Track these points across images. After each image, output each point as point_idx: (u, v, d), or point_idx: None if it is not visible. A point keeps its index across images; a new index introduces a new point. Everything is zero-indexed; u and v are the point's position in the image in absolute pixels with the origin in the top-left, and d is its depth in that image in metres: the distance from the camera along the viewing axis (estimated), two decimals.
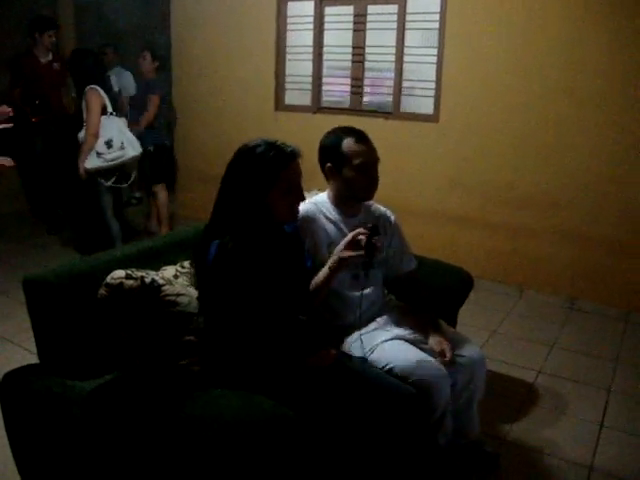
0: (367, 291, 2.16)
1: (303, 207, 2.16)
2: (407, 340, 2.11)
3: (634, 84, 3.75)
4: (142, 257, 1.98)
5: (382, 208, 2.32)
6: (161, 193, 5.33)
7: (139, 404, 1.66)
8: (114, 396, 1.72)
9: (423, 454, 1.98)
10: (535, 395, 2.95)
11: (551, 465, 2.42)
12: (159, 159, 5.19)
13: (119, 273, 1.77)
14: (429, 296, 2.33)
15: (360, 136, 2.11)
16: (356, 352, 2.07)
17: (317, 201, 2.21)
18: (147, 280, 1.77)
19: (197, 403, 1.61)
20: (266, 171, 1.73)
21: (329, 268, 1.95)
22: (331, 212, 2.18)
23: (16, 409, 1.83)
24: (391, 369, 1.98)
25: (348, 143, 2.08)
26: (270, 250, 1.81)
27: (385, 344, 2.08)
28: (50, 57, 5.20)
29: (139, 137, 5.06)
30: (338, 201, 2.18)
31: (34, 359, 1.93)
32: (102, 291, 1.76)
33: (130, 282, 1.75)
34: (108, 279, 1.76)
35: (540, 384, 3.05)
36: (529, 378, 3.10)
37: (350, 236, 1.93)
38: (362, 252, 1.89)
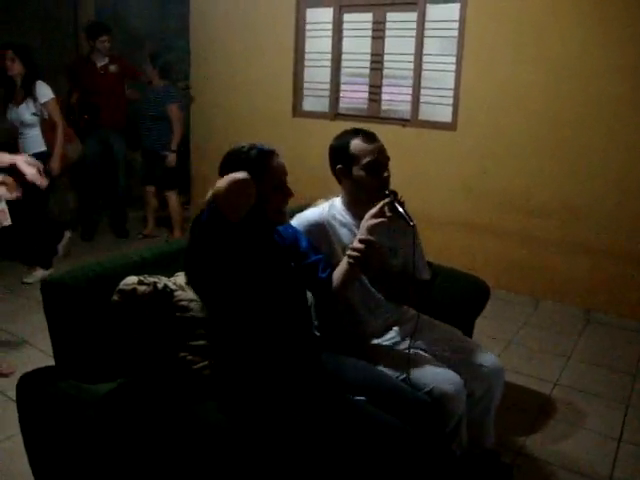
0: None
1: (313, 212, 2.17)
2: (423, 350, 2.09)
3: None
4: (157, 262, 1.98)
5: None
6: (172, 198, 5.41)
7: (151, 408, 1.66)
8: (127, 400, 1.72)
9: (438, 464, 1.95)
10: (551, 407, 2.91)
11: (566, 476, 2.39)
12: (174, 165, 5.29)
13: (132, 279, 1.78)
14: (444, 306, 2.31)
15: (368, 136, 2.09)
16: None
17: (330, 206, 2.19)
18: (159, 286, 1.77)
19: (207, 408, 1.60)
20: (254, 163, 1.73)
21: (349, 262, 1.88)
22: (344, 216, 2.15)
23: (32, 411, 1.84)
24: (407, 378, 1.96)
25: (356, 143, 2.07)
26: (255, 249, 1.79)
27: (401, 353, 2.06)
28: (106, 61, 5.21)
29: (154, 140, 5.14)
30: (351, 204, 2.16)
31: (50, 361, 1.94)
32: (115, 297, 1.76)
33: (143, 288, 1.76)
34: (121, 285, 1.76)
35: (556, 396, 3.01)
36: (545, 390, 3.06)
37: (375, 208, 1.91)
38: (390, 214, 1.90)
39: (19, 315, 3.77)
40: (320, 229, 2.10)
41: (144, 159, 5.51)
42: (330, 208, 2.18)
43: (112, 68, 5.22)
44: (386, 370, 2.00)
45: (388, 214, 1.91)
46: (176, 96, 5.28)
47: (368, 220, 1.89)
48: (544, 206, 4.18)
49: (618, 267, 3.99)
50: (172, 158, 5.23)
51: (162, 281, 1.83)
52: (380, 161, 2.08)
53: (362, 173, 2.06)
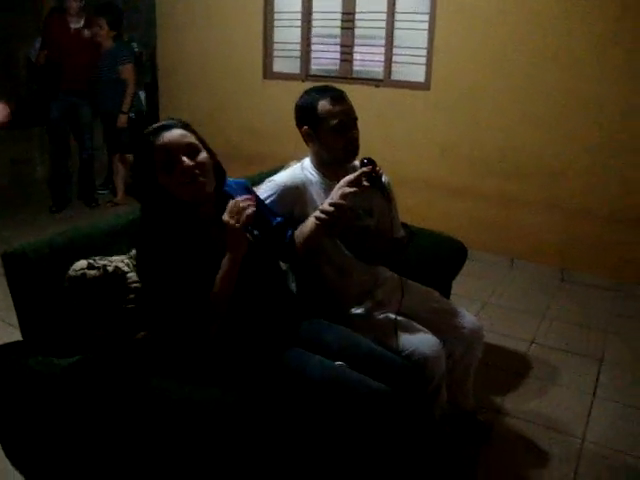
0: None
1: (286, 175, 2.10)
2: (401, 312, 2.06)
3: (638, 51, 3.66)
4: (124, 230, 1.89)
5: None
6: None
7: (109, 379, 1.63)
8: (89, 371, 1.68)
9: (418, 426, 1.95)
10: (528, 366, 2.93)
11: (544, 436, 2.41)
12: (138, 126, 5.10)
13: (81, 264, 1.71)
14: (421, 267, 2.29)
15: (336, 96, 2.01)
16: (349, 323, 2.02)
17: (301, 167, 2.12)
18: (110, 269, 1.72)
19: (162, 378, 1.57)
20: (143, 151, 1.63)
21: (315, 222, 1.81)
22: (315, 176, 2.09)
23: None
24: (384, 342, 1.94)
25: (323, 104, 1.99)
26: (195, 232, 1.68)
27: (379, 316, 2.04)
28: (81, 24, 5.01)
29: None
30: (320, 165, 2.09)
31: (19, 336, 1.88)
32: (65, 283, 1.70)
33: (92, 272, 1.70)
34: (70, 271, 1.70)
35: (533, 355, 3.03)
36: (522, 349, 3.08)
37: (352, 176, 1.83)
38: (367, 184, 1.83)
39: None
40: (295, 191, 2.03)
41: (104, 125, 5.34)
42: (301, 169, 2.11)
43: (86, 33, 5.00)
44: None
45: (365, 183, 1.85)
46: (130, 56, 5.11)
47: (343, 187, 1.82)
48: (520, 167, 4.16)
49: (592, 227, 4.00)
50: (123, 120, 5.09)
51: (113, 263, 1.76)
52: (348, 122, 2.01)
53: (330, 135, 2.00)
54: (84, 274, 1.69)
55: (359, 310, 2.09)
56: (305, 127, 2.05)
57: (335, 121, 1.98)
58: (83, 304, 1.71)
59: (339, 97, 2.02)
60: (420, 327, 2.01)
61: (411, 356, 1.90)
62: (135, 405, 1.55)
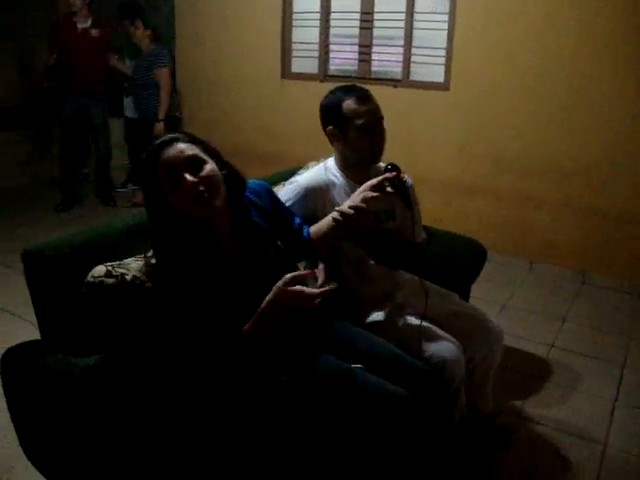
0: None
1: (310, 176, 2.09)
2: (420, 315, 2.04)
3: None
4: (140, 230, 1.87)
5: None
6: None
7: (133, 381, 1.61)
8: (109, 371, 1.66)
9: (437, 430, 1.93)
10: (548, 370, 2.89)
11: (564, 441, 2.38)
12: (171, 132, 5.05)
13: (100, 270, 1.68)
14: (441, 270, 2.27)
15: (361, 95, 1.99)
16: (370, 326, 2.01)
17: (323, 168, 2.10)
18: (128, 278, 1.69)
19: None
20: (145, 172, 1.56)
21: (332, 223, 1.79)
22: (338, 178, 2.07)
23: (18, 387, 1.78)
24: (405, 345, 1.91)
25: (349, 104, 1.97)
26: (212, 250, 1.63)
27: (399, 319, 2.02)
28: (89, 23, 4.97)
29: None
30: (344, 166, 2.07)
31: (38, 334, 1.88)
32: (84, 289, 1.69)
33: (110, 281, 1.67)
34: (89, 277, 1.67)
35: (553, 359, 2.99)
36: (541, 353, 3.04)
37: (375, 180, 1.79)
38: (391, 190, 1.79)
39: (4, 286, 3.70)
40: (318, 193, 2.02)
41: (136, 128, 5.25)
42: (324, 170, 2.09)
43: (93, 32, 4.98)
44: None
45: (388, 189, 1.82)
46: (167, 59, 5.03)
47: (365, 190, 1.79)
48: (539, 167, 4.11)
49: (613, 229, 3.95)
50: (159, 127, 4.93)
51: (131, 272, 1.73)
52: (374, 121, 1.98)
53: (355, 135, 1.97)
54: (102, 282, 1.67)
55: (380, 313, 2.07)
56: (330, 127, 2.03)
57: (361, 121, 1.96)
58: (101, 311, 1.69)
59: (365, 96, 2.00)
60: (439, 330, 1.99)
61: (430, 359, 1.88)
62: (160, 407, 1.53)
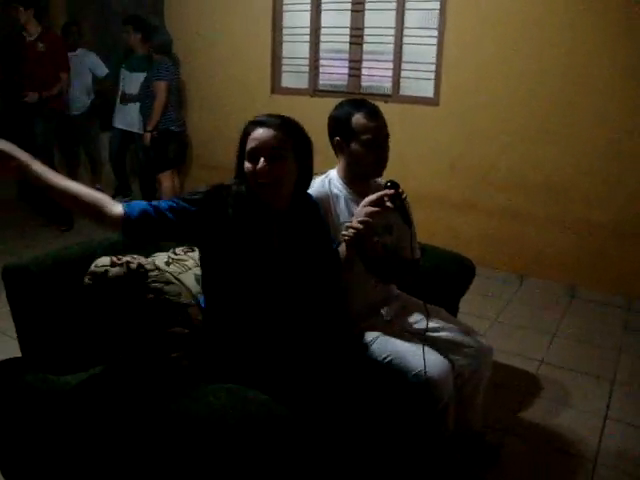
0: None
1: (312, 187, 2.09)
2: (408, 332, 2.03)
3: None
4: (129, 245, 1.86)
5: None
6: (166, 182, 5.13)
7: (124, 400, 1.57)
8: (99, 391, 1.63)
9: (425, 446, 1.91)
10: (538, 385, 2.88)
11: (555, 457, 2.36)
12: (164, 145, 5.03)
13: (104, 260, 1.68)
14: (429, 285, 2.25)
15: (371, 111, 2.02)
16: (358, 342, 1.99)
17: (326, 180, 2.11)
18: (133, 265, 1.67)
19: (185, 399, 1.52)
20: (241, 135, 1.73)
21: (346, 242, 1.84)
22: (340, 190, 2.09)
23: None
24: (391, 361, 1.91)
25: (358, 118, 2.00)
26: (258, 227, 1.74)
27: (386, 336, 2.00)
28: (35, 36, 4.78)
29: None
30: (347, 178, 2.10)
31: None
32: (87, 280, 1.67)
33: (115, 269, 1.66)
34: (92, 267, 1.66)
35: (543, 374, 2.98)
36: (531, 368, 3.03)
37: (374, 196, 1.83)
38: (391, 206, 1.82)
39: None
40: (321, 203, 2.01)
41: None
42: (326, 182, 2.11)
43: (40, 46, 4.76)
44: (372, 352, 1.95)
45: (388, 204, 1.84)
46: (168, 71, 4.95)
47: (366, 206, 1.82)
48: (528, 182, 4.13)
49: (603, 243, 3.96)
50: (146, 138, 4.93)
51: (136, 260, 1.73)
52: (380, 138, 2.02)
53: (360, 148, 2.00)
54: (107, 271, 1.65)
55: (371, 333, 2.05)
56: (337, 138, 2.05)
57: (368, 136, 1.98)
58: (104, 302, 1.67)
59: (374, 112, 2.03)
60: (428, 347, 1.97)
61: (419, 376, 1.86)
62: (150, 431, 1.51)
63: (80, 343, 1.75)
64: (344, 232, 1.83)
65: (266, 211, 1.74)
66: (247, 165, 1.68)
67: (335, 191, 2.09)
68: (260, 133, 1.68)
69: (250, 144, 1.68)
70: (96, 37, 5.92)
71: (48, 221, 5.19)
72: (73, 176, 6.05)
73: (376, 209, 1.81)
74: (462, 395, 2.08)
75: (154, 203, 1.61)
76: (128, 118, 5.31)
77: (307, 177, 1.82)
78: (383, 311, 2.14)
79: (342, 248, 1.88)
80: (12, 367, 1.74)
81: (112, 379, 1.66)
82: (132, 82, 5.23)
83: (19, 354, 1.82)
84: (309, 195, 1.90)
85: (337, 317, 2.00)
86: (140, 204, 1.59)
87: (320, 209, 1.94)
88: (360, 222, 1.79)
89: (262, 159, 1.66)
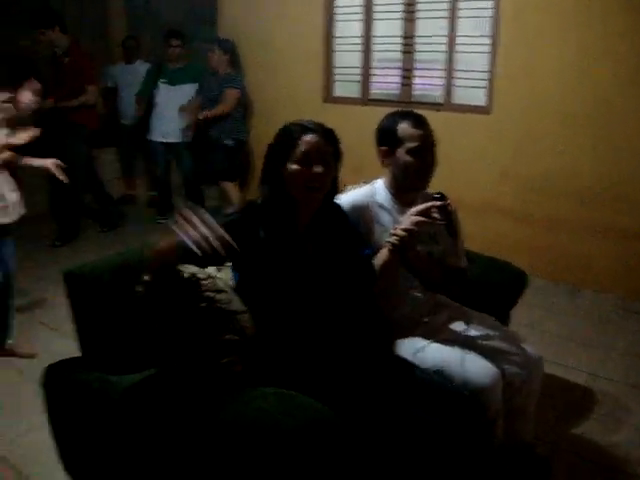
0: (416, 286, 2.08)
1: (354, 195, 2.12)
2: (457, 340, 2.02)
3: None
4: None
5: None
6: (232, 191, 5.24)
7: (173, 404, 1.62)
8: (149, 394, 1.69)
9: (473, 456, 1.89)
10: (590, 399, 2.81)
11: (606, 474, 2.30)
12: (237, 154, 5.17)
13: (191, 268, 1.72)
14: (479, 295, 2.24)
15: (417, 120, 2.04)
16: (405, 351, 1.99)
17: (371, 189, 2.14)
18: (185, 275, 1.72)
19: (235, 403, 1.55)
20: (284, 137, 1.76)
21: (389, 248, 1.87)
22: (386, 200, 2.10)
23: (58, 402, 1.83)
24: (440, 371, 1.90)
25: (404, 126, 2.02)
26: (291, 235, 1.77)
27: (434, 345, 2.00)
28: (63, 51, 4.83)
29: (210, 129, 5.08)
30: (394, 188, 2.11)
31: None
32: (139, 288, 1.72)
33: (201, 275, 1.71)
34: (145, 277, 1.71)
35: (595, 388, 2.90)
36: (584, 382, 2.96)
37: (422, 206, 1.85)
38: (438, 217, 1.85)
39: (48, 304, 3.82)
40: (363, 211, 2.05)
41: (204, 150, 5.33)
42: (371, 191, 2.13)
43: (65, 60, 4.81)
44: (418, 360, 1.95)
45: (435, 216, 1.86)
46: (240, 81, 5.17)
47: (413, 215, 1.85)
48: (584, 192, 4.04)
49: None
50: (192, 114, 5.15)
51: (188, 269, 1.77)
52: (426, 146, 2.02)
53: (407, 157, 2.01)
54: (198, 279, 1.72)
55: (416, 339, 2.06)
56: (383, 147, 2.07)
57: (413, 144, 2.00)
58: (156, 310, 1.72)
59: (420, 121, 2.04)
60: (477, 356, 1.96)
61: (467, 384, 1.85)
62: (198, 435, 1.54)
63: (135, 345, 1.80)
64: (387, 239, 1.85)
65: (296, 221, 1.78)
66: (295, 167, 1.71)
67: (380, 200, 2.10)
68: (313, 138, 1.73)
69: (302, 147, 1.72)
70: (153, 49, 6.09)
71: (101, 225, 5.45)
72: (132, 185, 6.26)
73: (422, 219, 1.83)
74: (512, 405, 2.06)
75: None
76: (169, 130, 5.41)
77: (335, 186, 1.87)
78: (430, 319, 2.13)
79: (382, 254, 1.89)
80: (72, 366, 1.82)
81: (165, 382, 1.71)
82: (173, 95, 5.35)
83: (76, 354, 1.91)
84: (336, 204, 1.95)
85: (373, 322, 2.00)
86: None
87: (348, 216, 1.97)
88: (404, 230, 1.82)
89: (319, 164, 1.71)
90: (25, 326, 3.47)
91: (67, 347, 3.09)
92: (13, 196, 3.00)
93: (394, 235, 1.84)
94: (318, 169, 1.71)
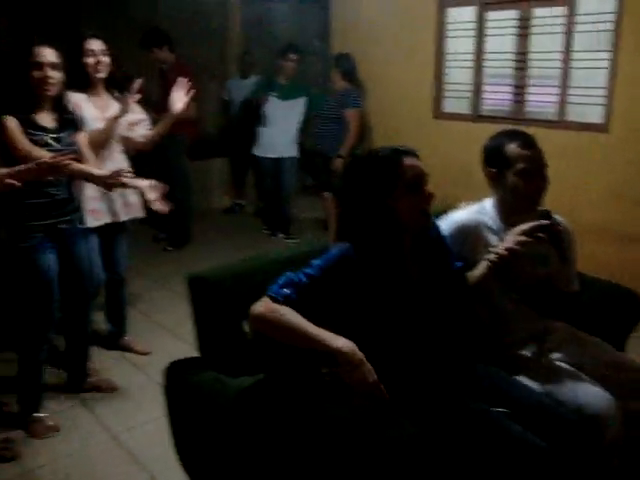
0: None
1: (462, 215, 2.11)
2: (570, 364, 1.96)
3: None
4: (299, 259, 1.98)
5: (558, 218, 2.07)
6: (332, 203, 5.26)
7: (282, 407, 1.68)
8: (259, 396, 1.76)
9: None
10: None
11: None
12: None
13: None
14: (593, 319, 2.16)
15: (526, 140, 2.00)
16: (515, 373, 1.96)
17: (480, 209, 2.11)
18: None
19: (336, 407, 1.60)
20: (384, 167, 1.70)
21: (488, 265, 1.83)
22: (495, 222, 2.06)
23: (177, 398, 1.94)
24: (551, 394, 1.85)
25: (512, 147, 1.98)
26: (399, 264, 1.73)
27: (545, 367, 1.95)
28: (168, 66, 5.12)
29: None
30: (502, 210, 2.07)
31: (189, 350, 2.06)
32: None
33: None
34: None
35: None
36: None
37: (527, 225, 1.81)
38: (543, 236, 1.80)
39: (163, 305, 4.05)
40: (470, 231, 2.03)
41: (314, 162, 5.45)
42: (480, 211, 2.10)
43: (171, 75, 4.90)
44: (527, 382, 1.91)
45: (540, 235, 1.82)
46: (356, 101, 5.17)
47: (518, 235, 1.81)
48: None
49: None
50: (337, 163, 5.10)
51: None
52: (536, 168, 1.97)
53: (515, 179, 1.97)
54: None
55: (525, 358, 2.02)
56: (491, 169, 2.05)
57: (522, 165, 1.96)
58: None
59: (529, 142, 2.00)
60: (593, 381, 1.89)
61: (581, 411, 1.79)
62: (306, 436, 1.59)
63: (247, 350, 1.89)
64: (488, 256, 1.81)
65: (403, 250, 1.75)
66: (407, 195, 1.67)
67: (488, 221, 2.06)
68: (416, 161, 1.72)
69: (411, 172, 1.68)
70: (264, 65, 6.29)
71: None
72: (240, 194, 6.49)
73: (526, 238, 1.78)
74: (631, 433, 1.95)
75: (295, 283, 1.63)
76: (279, 145, 5.53)
77: None
78: (541, 342, 2.08)
79: (479, 269, 1.86)
80: (191, 365, 1.94)
81: (272, 387, 1.78)
82: (284, 109, 5.45)
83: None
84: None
85: (474, 337, 1.98)
86: (281, 292, 1.62)
87: (439, 229, 1.93)
88: (507, 249, 1.77)
89: (426, 188, 1.70)
90: (139, 325, 3.71)
91: (177, 346, 3.34)
92: (132, 198, 3.22)
93: (495, 253, 1.80)
94: (430, 192, 1.70)
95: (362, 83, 5.40)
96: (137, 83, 3.04)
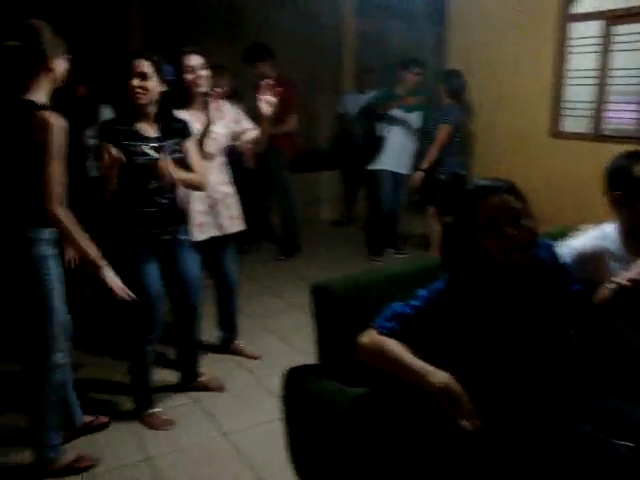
0: None
1: (580, 242, 2.03)
2: None
3: None
4: (421, 276, 2.00)
5: None
6: (436, 222, 5.23)
7: (388, 419, 1.71)
8: (371, 406, 1.79)
9: None
10: None
11: None
12: (449, 189, 5.14)
13: None
14: None
15: None
16: None
17: (600, 234, 2.02)
18: None
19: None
20: (463, 208, 1.68)
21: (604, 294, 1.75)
22: (618, 248, 1.96)
23: (294, 403, 2.01)
24: None
25: None
26: (502, 295, 1.69)
27: None
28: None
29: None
30: (627, 236, 1.96)
31: (300, 357, 2.13)
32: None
33: None
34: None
35: None
36: None
37: None
38: None
39: (273, 311, 4.21)
40: (591, 258, 1.96)
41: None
42: (600, 236, 2.02)
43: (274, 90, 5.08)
44: None
45: None
46: (454, 115, 5.09)
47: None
48: None
49: None
50: (416, 177, 5.14)
51: None
52: None
53: None
54: None
55: None
56: (616, 192, 1.96)
57: None
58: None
59: None
60: None
61: None
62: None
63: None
64: (609, 285, 1.73)
65: (503, 282, 1.70)
66: (490, 237, 1.62)
67: (611, 248, 1.97)
68: (500, 199, 1.63)
69: (488, 213, 1.62)
70: (383, 79, 6.32)
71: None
72: (350, 208, 6.57)
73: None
74: None
75: (400, 315, 1.68)
76: (400, 160, 5.51)
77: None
78: None
79: (598, 296, 1.78)
80: (310, 372, 2.00)
81: (380, 398, 1.81)
82: (403, 124, 5.45)
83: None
84: (546, 243, 1.84)
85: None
86: (387, 325, 1.68)
87: (556, 253, 1.85)
88: (629, 280, 1.68)
89: (510, 224, 1.61)
90: (250, 331, 3.86)
91: (284, 351, 3.45)
92: (237, 211, 3.39)
93: (616, 282, 1.72)
94: (510, 230, 1.60)
95: (468, 102, 5.34)
96: (216, 92, 3.15)
